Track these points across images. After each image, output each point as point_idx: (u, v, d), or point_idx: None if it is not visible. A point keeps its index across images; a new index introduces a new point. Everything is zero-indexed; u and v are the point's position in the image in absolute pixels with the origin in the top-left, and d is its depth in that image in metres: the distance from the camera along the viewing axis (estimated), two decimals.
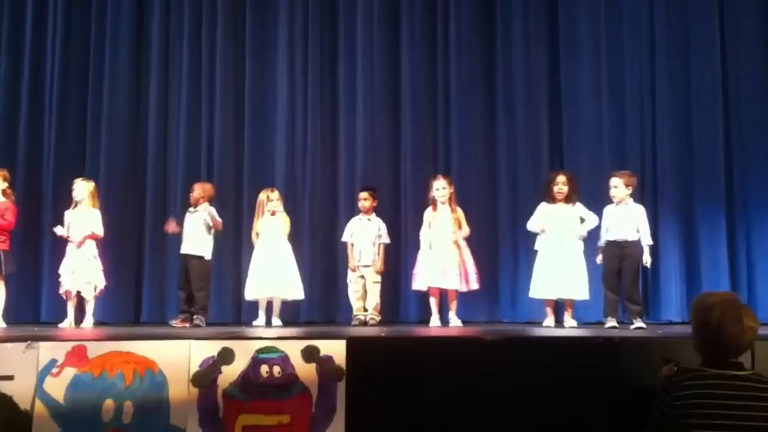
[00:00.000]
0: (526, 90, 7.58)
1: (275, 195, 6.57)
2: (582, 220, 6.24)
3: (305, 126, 7.66)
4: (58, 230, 6.31)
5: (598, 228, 6.16)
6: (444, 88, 7.65)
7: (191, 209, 6.56)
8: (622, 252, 5.91)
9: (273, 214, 6.53)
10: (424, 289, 6.49)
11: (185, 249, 6.47)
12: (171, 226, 6.62)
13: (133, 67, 7.73)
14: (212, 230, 6.51)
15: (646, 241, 5.97)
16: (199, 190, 6.57)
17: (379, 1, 7.71)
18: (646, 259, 5.93)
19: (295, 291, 6.53)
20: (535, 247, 6.34)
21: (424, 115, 7.62)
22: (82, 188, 6.42)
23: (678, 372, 2.86)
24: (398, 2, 7.73)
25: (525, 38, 7.62)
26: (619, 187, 6.04)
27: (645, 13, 7.46)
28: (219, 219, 6.52)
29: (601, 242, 6.08)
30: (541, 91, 7.58)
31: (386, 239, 6.74)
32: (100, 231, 6.37)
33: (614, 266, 5.92)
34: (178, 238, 6.60)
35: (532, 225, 6.36)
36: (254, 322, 6.44)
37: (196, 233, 6.46)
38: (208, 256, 6.48)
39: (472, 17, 7.67)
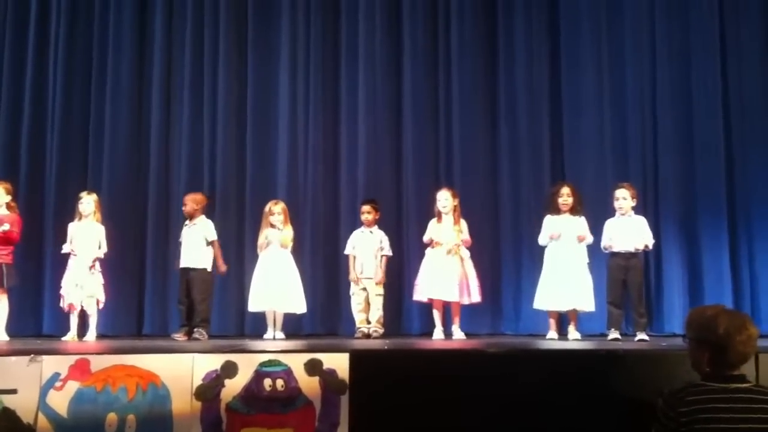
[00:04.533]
0: (527, 99, 7.57)
1: (278, 208, 6.57)
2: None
3: (307, 136, 7.66)
4: (65, 248, 6.31)
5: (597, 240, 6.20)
6: (445, 97, 7.65)
7: (188, 222, 6.57)
8: (627, 264, 5.96)
9: (273, 226, 6.53)
10: (425, 300, 6.49)
11: (185, 262, 6.47)
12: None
13: (135, 77, 7.75)
14: (210, 244, 6.52)
15: (649, 243, 6.03)
16: (191, 203, 6.57)
17: (381, 9, 7.72)
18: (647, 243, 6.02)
19: (297, 304, 6.52)
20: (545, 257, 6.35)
21: (426, 125, 7.62)
22: (90, 202, 6.42)
23: (682, 387, 2.84)
24: (400, 10, 7.74)
25: (527, 47, 7.63)
26: (627, 199, 6.09)
27: (646, 22, 7.46)
28: (221, 261, 6.59)
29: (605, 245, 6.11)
30: (543, 100, 7.58)
31: (388, 251, 6.75)
32: (105, 248, 6.38)
33: (619, 278, 5.96)
34: (177, 250, 6.62)
35: (542, 239, 6.35)
36: (265, 335, 6.44)
37: (195, 246, 6.46)
38: (208, 267, 6.48)
39: (473, 26, 7.67)
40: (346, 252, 6.81)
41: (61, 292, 6.29)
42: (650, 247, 6.11)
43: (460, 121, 7.59)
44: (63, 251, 6.34)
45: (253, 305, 6.52)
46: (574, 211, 6.27)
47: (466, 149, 7.56)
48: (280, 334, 6.39)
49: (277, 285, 6.41)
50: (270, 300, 6.44)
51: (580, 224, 6.26)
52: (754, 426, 2.65)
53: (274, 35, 7.79)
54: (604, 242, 6.11)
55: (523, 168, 7.52)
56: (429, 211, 6.66)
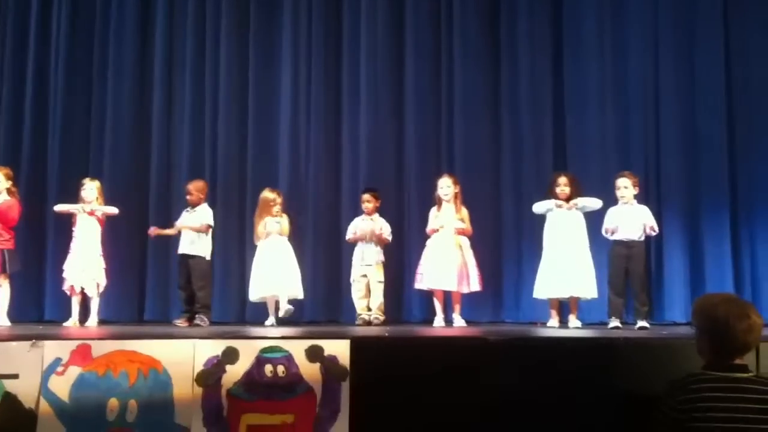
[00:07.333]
0: (530, 93, 7.55)
1: (280, 197, 6.58)
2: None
3: (309, 127, 7.66)
4: (67, 208, 6.35)
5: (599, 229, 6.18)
6: (448, 91, 7.63)
7: (189, 209, 6.58)
8: (629, 252, 5.95)
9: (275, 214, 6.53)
10: (426, 288, 6.50)
11: (184, 249, 6.49)
12: (152, 232, 6.75)
13: (138, 69, 7.77)
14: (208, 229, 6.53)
15: (654, 226, 6.04)
16: (195, 192, 6.58)
17: (383, 5, 7.70)
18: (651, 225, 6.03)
19: (296, 289, 6.51)
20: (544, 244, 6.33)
21: (428, 118, 7.61)
22: (93, 188, 6.44)
23: (683, 376, 2.84)
24: (403, 6, 7.73)
25: (530, 41, 7.60)
26: (629, 187, 6.09)
27: (649, 17, 7.44)
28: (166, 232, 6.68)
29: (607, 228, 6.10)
30: (546, 95, 7.56)
31: (388, 236, 6.74)
32: (113, 210, 6.41)
33: (621, 266, 5.95)
34: (177, 237, 6.63)
35: (537, 207, 6.36)
36: (266, 323, 6.43)
37: (194, 233, 6.46)
38: (207, 255, 6.48)
39: (476, 18, 7.65)
40: (347, 238, 6.81)
41: (64, 275, 6.30)
42: (656, 230, 6.10)
43: (463, 113, 7.57)
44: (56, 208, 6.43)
45: (254, 294, 6.52)
46: (571, 201, 6.25)
47: (468, 141, 7.55)
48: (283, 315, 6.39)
49: (277, 271, 6.40)
50: (270, 286, 6.43)
51: (578, 214, 6.24)
52: (755, 416, 2.65)
53: (276, 26, 7.79)
54: (606, 227, 6.09)
55: (526, 160, 7.51)
56: (430, 202, 6.65)
